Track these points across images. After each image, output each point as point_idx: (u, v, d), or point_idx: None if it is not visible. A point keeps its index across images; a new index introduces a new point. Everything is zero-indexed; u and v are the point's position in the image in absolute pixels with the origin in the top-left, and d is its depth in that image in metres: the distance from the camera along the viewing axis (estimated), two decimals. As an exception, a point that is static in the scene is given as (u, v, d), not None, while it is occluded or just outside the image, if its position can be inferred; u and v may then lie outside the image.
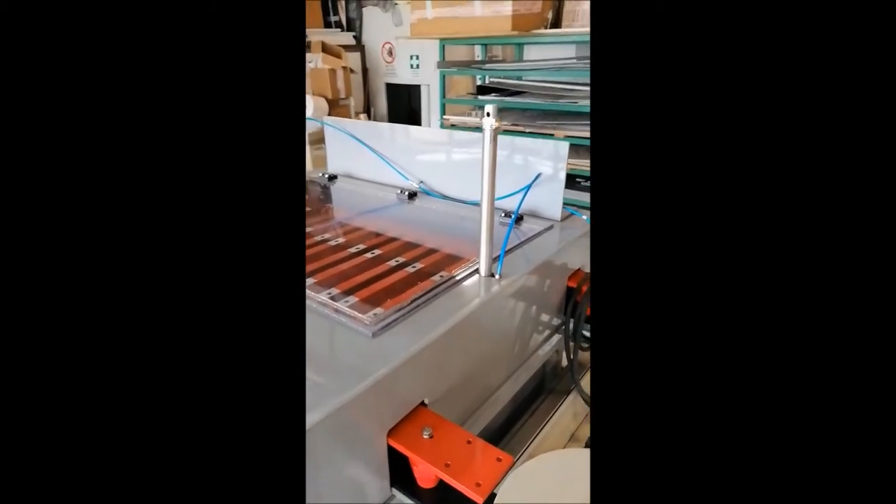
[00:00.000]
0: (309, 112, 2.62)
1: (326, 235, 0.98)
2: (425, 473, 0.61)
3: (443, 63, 2.43)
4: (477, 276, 0.77)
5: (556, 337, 0.98)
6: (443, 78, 2.47)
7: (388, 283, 0.77)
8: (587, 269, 0.99)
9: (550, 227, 0.96)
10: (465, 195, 1.13)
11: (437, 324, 0.65)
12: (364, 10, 3.45)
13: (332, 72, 2.91)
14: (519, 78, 2.29)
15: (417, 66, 3.24)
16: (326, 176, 1.36)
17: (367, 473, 0.59)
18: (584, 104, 2.03)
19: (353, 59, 3.35)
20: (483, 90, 2.43)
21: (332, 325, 0.65)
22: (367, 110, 3.55)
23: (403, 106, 3.45)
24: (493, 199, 0.72)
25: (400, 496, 0.63)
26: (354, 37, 3.49)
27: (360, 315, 0.66)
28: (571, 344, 0.90)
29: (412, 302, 0.69)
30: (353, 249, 0.91)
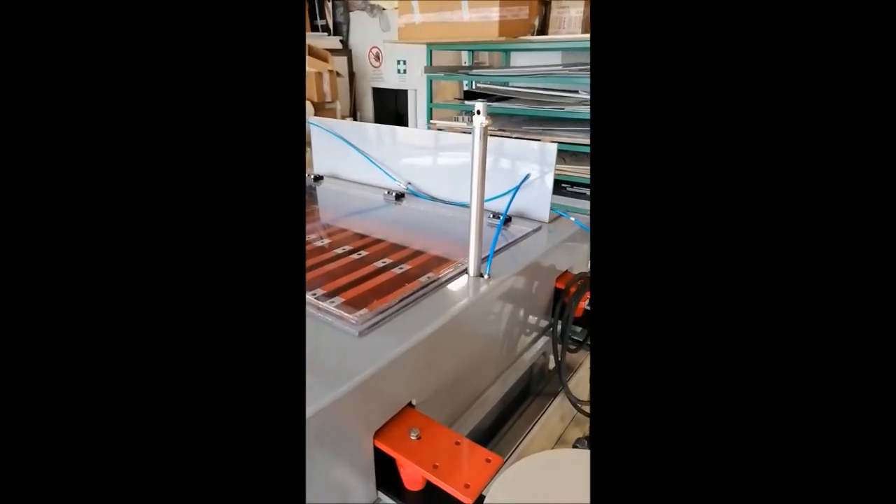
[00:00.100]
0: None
1: (312, 236, 0.96)
2: (412, 475, 0.59)
3: (430, 68, 2.44)
4: (465, 276, 0.77)
5: (544, 339, 0.97)
6: (430, 83, 2.47)
7: (375, 285, 0.76)
8: (575, 271, 0.99)
9: (538, 229, 0.96)
10: (452, 196, 1.12)
11: (426, 323, 0.64)
12: (351, 14, 3.45)
13: (318, 75, 2.89)
14: (506, 84, 2.31)
15: (404, 71, 3.24)
16: (312, 177, 1.34)
17: (352, 476, 0.58)
18: (570, 110, 2.05)
19: (339, 63, 3.34)
20: (470, 95, 2.44)
21: (318, 324, 0.63)
22: (354, 114, 3.54)
23: (390, 110, 3.45)
24: (482, 197, 0.72)
25: (386, 499, 0.61)
26: (341, 41, 3.48)
27: (346, 314, 0.64)
28: (559, 346, 0.90)
29: (400, 301, 0.68)
30: (339, 250, 0.89)
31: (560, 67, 2.11)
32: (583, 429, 0.94)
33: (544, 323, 0.95)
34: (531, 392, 0.99)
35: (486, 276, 0.76)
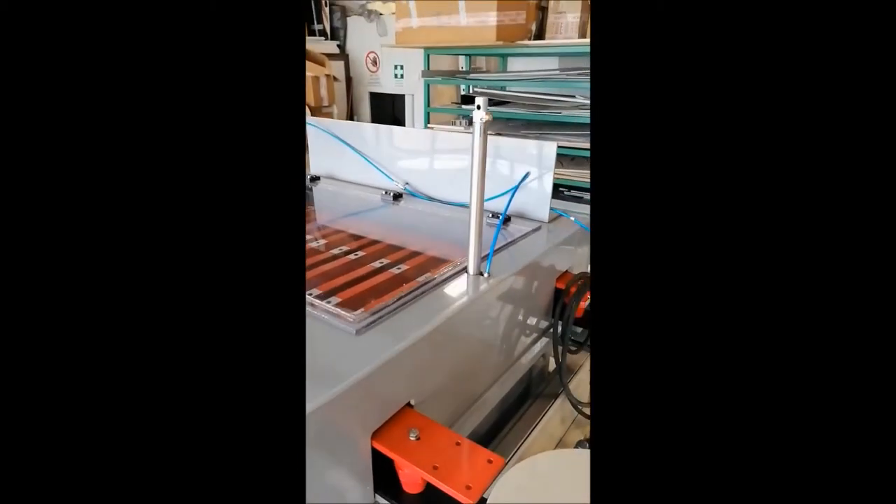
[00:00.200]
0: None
1: (308, 237, 0.95)
2: (411, 477, 0.57)
3: (427, 72, 2.44)
4: (465, 274, 0.75)
5: (544, 340, 0.96)
6: (427, 87, 2.47)
7: (373, 285, 0.74)
8: (575, 271, 0.98)
9: (538, 228, 0.95)
10: (451, 196, 1.11)
11: (425, 321, 0.62)
12: (348, 19, 3.46)
13: (316, 79, 2.89)
14: (503, 88, 2.31)
15: (402, 76, 3.24)
16: (309, 177, 1.33)
17: (348, 478, 0.56)
18: (567, 114, 2.05)
19: (336, 67, 3.34)
20: (467, 100, 2.44)
21: (314, 322, 0.62)
22: (351, 118, 3.54)
23: (387, 115, 3.45)
24: (482, 194, 0.71)
25: (384, 503, 0.60)
26: (339, 46, 3.48)
27: (343, 313, 0.63)
28: (560, 346, 0.89)
29: (398, 299, 0.66)
30: (335, 251, 0.88)
31: (557, 72, 2.12)
32: (584, 431, 0.93)
33: (544, 324, 0.94)
34: (531, 394, 0.98)
35: (485, 275, 0.74)
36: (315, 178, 1.33)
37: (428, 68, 2.46)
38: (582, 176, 2.07)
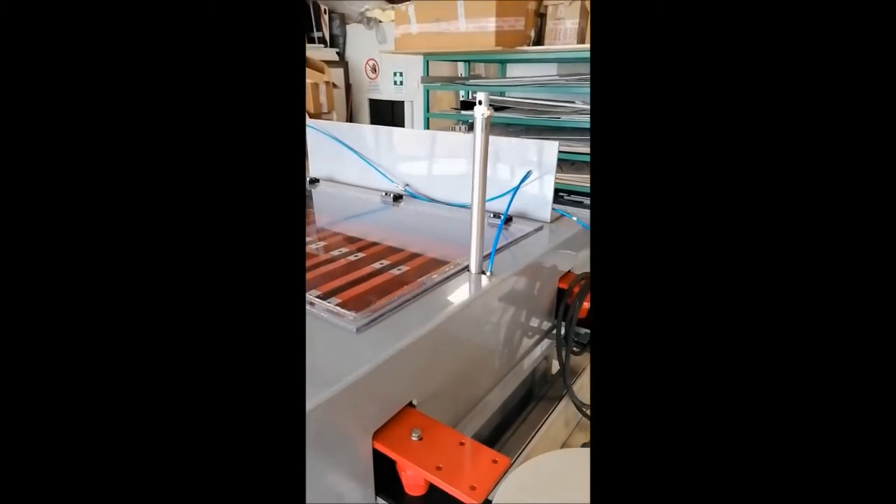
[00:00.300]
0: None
1: (307, 240, 0.94)
2: (414, 479, 0.56)
3: (427, 78, 2.45)
4: (467, 273, 0.74)
5: (547, 342, 0.94)
6: (426, 93, 2.48)
7: (373, 286, 0.73)
8: (578, 271, 0.97)
9: (540, 228, 0.94)
10: (451, 198, 1.10)
11: (426, 319, 0.61)
12: (348, 27, 3.48)
13: (315, 86, 2.90)
14: (502, 94, 2.31)
15: (401, 83, 3.26)
16: (308, 179, 1.32)
17: (349, 479, 0.54)
18: (567, 119, 2.05)
19: (336, 74, 3.35)
20: (467, 105, 2.44)
21: (314, 321, 0.61)
22: (350, 126, 3.54)
23: (386, 121, 3.46)
24: (484, 191, 0.70)
25: (385, 506, 0.58)
26: (338, 53, 3.50)
27: (343, 311, 0.61)
28: (563, 348, 0.87)
29: (400, 298, 0.65)
30: (335, 252, 0.87)
31: (556, 77, 2.12)
32: (588, 434, 0.91)
33: (547, 324, 0.93)
34: (534, 396, 0.96)
35: (488, 274, 0.73)
36: (314, 181, 1.32)
37: (427, 74, 2.47)
38: (582, 181, 2.07)
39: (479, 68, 2.84)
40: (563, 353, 0.87)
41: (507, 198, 0.93)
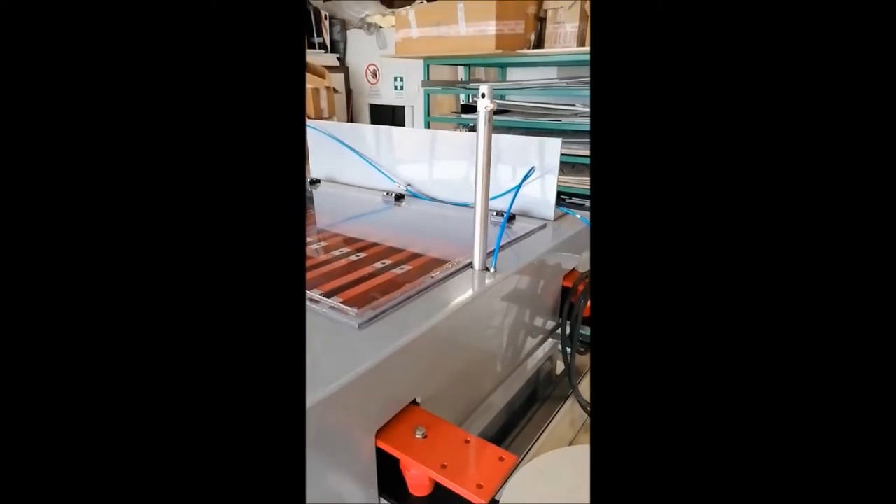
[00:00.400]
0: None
1: (309, 239, 0.92)
2: (418, 478, 0.54)
3: (427, 82, 2.45)
4: (470, 270, 0.73)
5: (551, 342, 0.93)
6: (427, 97, 2.48)
7: (375, 284, 0.72)
8: (582, 269, 0.95)
9: (543, 226, 0.93)
10: (454, 197, 1.09)
11: (429, 315, 0.60)
12: (348, 32, 3.49)
13: (316, 91, 2.90)
14: (503, 97, 2.31)
15: (401, 88, 3.26)
16: (309, 180, 1.31)
17: (351, 479, 0.53)
18: (567, 122, 2.05)
19: (336, 79, 3.36)
20: (468, 109, 2.44)
21: (314, 317, 0.59)
22: (350, 131, 3.54)
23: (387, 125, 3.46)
24: (487, 185, 0.69)
25: (388, 507, 0.56)
26: (338, 58, 3.51)
27: (345, 307, 0.60)
28: (568, 347, 0.86)
29: (403, 294, 0.64)
30: (336, 252, 0.85)
31: (557, 81, 2.12)
32: (595, 435, 0.89)
33: (551, 324, 0.91)
34: (538, 397, 0.95)
35: (491, 270, 0.72)
36: (315, 181, 1.31)
37: (428, 79, 2.47)
38: (582, 183, 2.06)
39: (480, 72, 2.85)
40: (568, 352, 0.86)
41: (510, 196, 0.92)
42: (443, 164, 1.13)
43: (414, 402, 0.59)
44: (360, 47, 3.46)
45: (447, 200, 1.10)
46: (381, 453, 0.54)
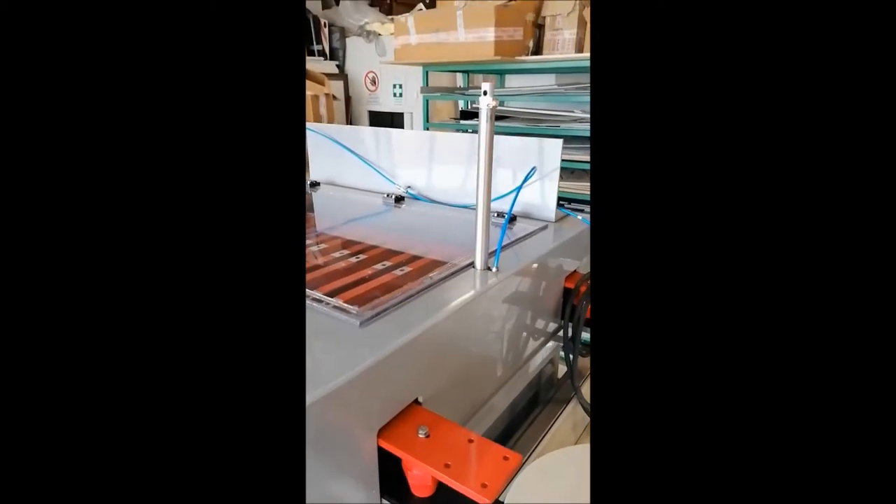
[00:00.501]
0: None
1: (309, 242, 0.92)
2: (421, 479, 0.53)
3: (426, 88, 2.46)
4: (472, 269, 0.72)
5: (552, 344, 0.92)
6: (426, 103, 2.49)
7: (376, 285, 0.71)
8: (583, 271, 0.95)
9: (545, 227, 0.93)
10: (453, 199, 1.09)
11: (431, 314, 0.59)
12: (347, 40, 3.51)
13: (315, 98, 2.91)
14: (502, 104, 2.32)
15: (400, 95, 3.27)
16: (309, 183, 1.31)
17: (352, 480, 0.51)
18: (566, 128, 2.06)
19: (336, 87, 3.37)
20: (467, 115, 2.45)
21: (315, 315, 0.59)
22: (349, 137, 3.55)
23: (386, 133, 3.47)
24: (489, 184, 0.69)
25: (390, 509, 0.55)
26: (338, 66, 3.52)
27: (346, 306, 0.59)
28: (570, 349, 0.85)
29: (404, 293, 0.63)
30: (336, 254, 0.85)
31: (555, 87, 2.14)
32: (598, 437, 0.88)
33: (553, 325, 0.90)
34: (540, 400, 0.94)
35: (493, 269, 0.71)
36: (315, 184, 1.31)
37: (427, 85, 2.48)
38: (582, 189, 2.06)
39: (478, 80, 2.86)
40: (571, 354, 0.85)
41: (511, 197, 0.92)
42: (442, 166, 1.13)
43: (416, 402, 0.58)
44: (359, 55, 3.48)
45: (447, 202, 1.10)
46: (382, 453, 0.53)
